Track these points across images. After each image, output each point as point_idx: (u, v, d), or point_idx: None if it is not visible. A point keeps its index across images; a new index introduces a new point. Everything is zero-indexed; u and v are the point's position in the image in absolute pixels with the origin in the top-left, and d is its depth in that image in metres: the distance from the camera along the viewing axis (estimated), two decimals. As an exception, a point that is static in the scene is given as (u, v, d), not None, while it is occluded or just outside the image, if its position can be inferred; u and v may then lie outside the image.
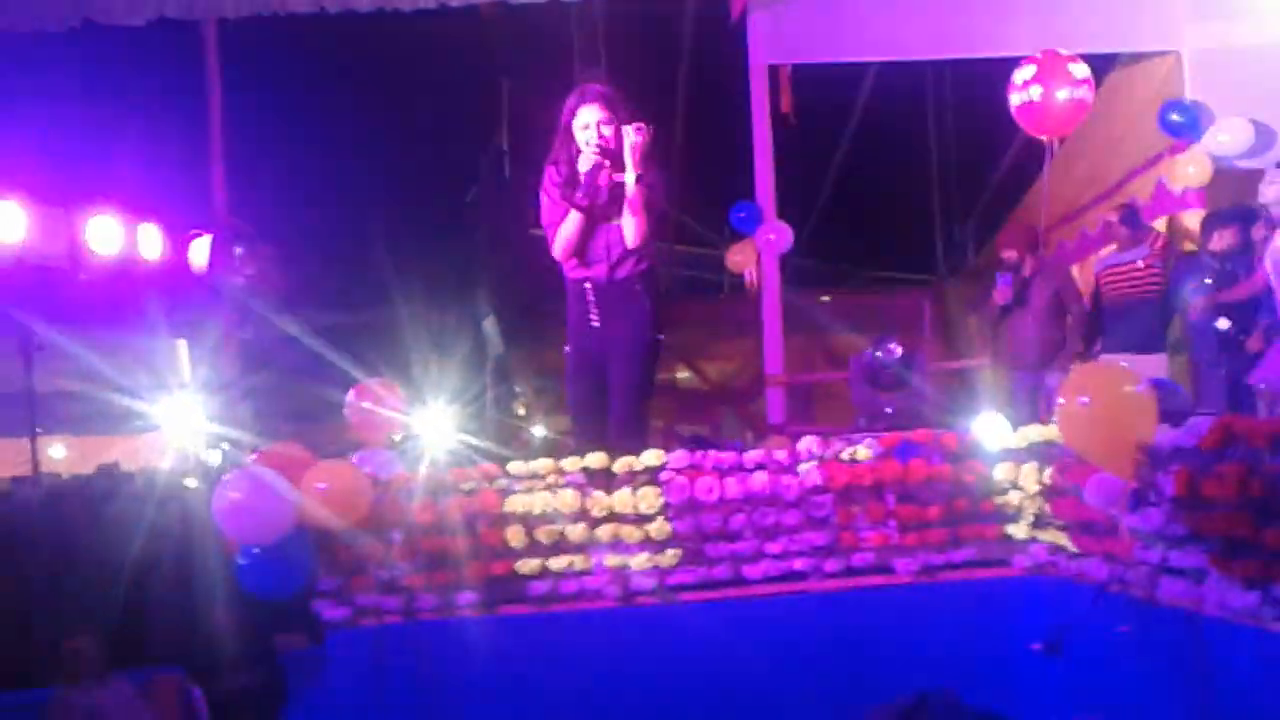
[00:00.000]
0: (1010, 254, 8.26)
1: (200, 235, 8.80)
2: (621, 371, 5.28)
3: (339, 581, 4.67)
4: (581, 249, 5.30)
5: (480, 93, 12.02)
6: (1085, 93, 7.18)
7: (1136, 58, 9.49)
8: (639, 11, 9.60)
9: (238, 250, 8.12)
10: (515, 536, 4.76)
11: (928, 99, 11.62)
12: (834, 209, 11.57)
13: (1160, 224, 8.87)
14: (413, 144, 10.97)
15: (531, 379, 13.15)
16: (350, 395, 5.86)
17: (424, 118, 10.81)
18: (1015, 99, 7.33)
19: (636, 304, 5.32)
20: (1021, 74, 7.24)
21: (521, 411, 12.96)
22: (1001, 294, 8.14)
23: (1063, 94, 7.19)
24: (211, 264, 8.77)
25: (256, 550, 4.46)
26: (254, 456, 5.04)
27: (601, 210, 5.27)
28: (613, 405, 5.29)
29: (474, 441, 5.46)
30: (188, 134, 8.94)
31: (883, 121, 10.76)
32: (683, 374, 14.50)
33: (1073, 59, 7.18)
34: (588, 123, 5.27)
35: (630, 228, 5.24)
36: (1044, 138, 7.38)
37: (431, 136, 11.02)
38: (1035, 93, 7.40)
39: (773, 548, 4.83)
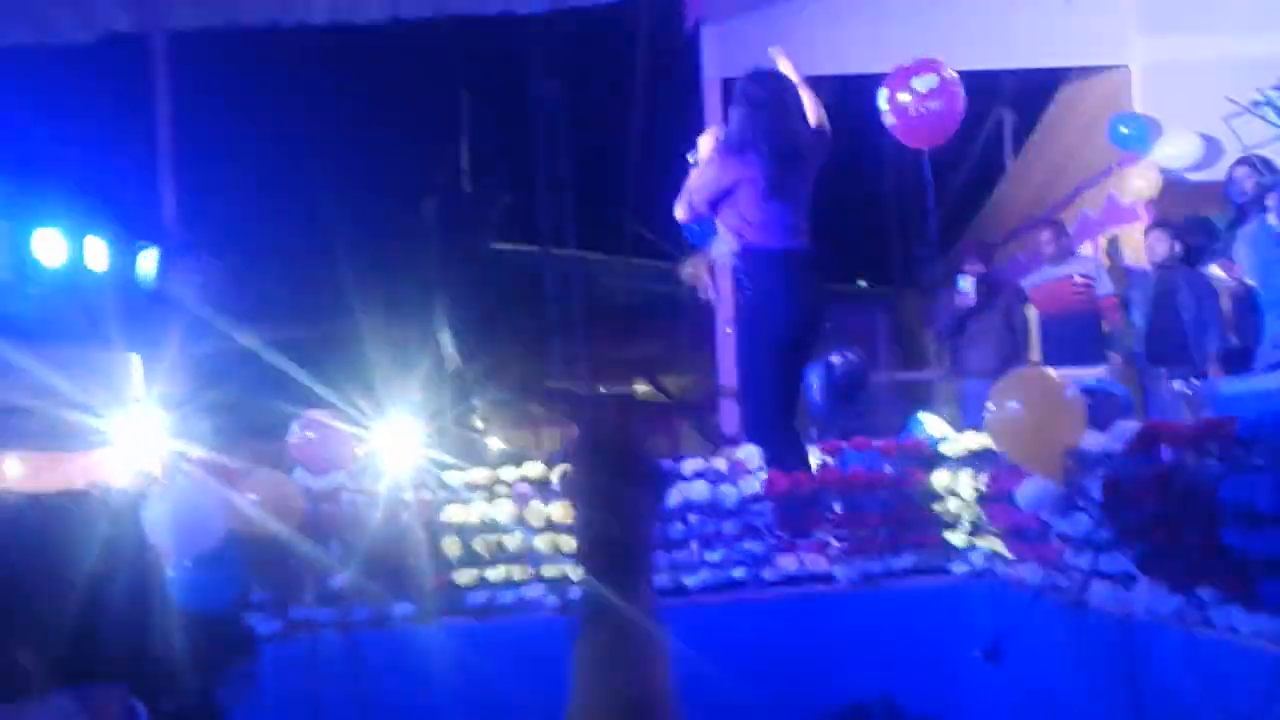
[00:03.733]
0: (975, 267, 8.36)
1: (149, 247, 8.72)
2: None
3: (272, 594, 4.61)
4: None
5: (438, 106, 12.00)
6: (938, 104, 7.13)
7: (1086, 72, 9.56)
8: (592, 25, 9.59)
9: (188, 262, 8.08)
10: (452, 547, 4.73)
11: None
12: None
13: (1104, 238, 8.95)
14: (369, 156, 10.92)
15: (490, 392, 13.13)
16: (294, 428, 5.77)
17: (380, 130, 10.77)
18: (884, 118, 7.33)
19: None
20: (882, 94, 7.27)
21: (480, 425, 12.93)
22: (963, 298, 8.20)
23: (912, 109, 7.16)
24: (161, 276, 8.68)
25: (188, 562, 4.41)
26: (188, 467, 4.99)
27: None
28: None
29: (436, 455, 5.42)
30: (137, 146, 8.87)
31: (840, 135, 10.78)
32: (642, 388, 14.48)
33: (920, 72, 7.15)
34: None
35: None
36: (920, 149, 7.41)
37: (388, 148, 10.98)
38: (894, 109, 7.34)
39: (712, 556, 4.81)
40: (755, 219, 5.34)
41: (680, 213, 5.61)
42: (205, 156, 9.37)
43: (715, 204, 5.46)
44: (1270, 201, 6.54)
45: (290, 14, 8.98)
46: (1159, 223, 8.14)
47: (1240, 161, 7.55)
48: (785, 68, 5.70)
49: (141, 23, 8.93)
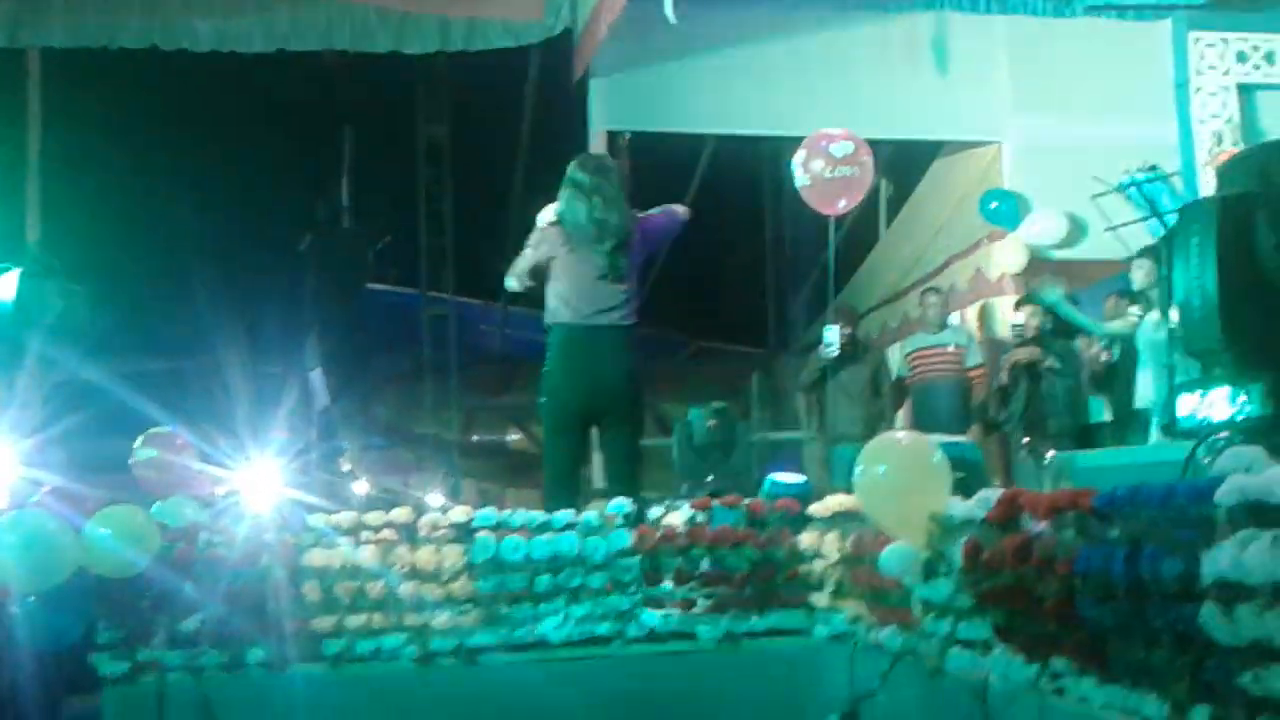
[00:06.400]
0: (843, 327, 8.49)
1: (8, 269, 8.43)
2: None
3: (120, 634, 4.43)
4: None
5: (320, 141, 11.86)
6: (852, 170, 7.55)
7: (960, 147, 9.85)
8: (482, 69, 9.60)
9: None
10: (312, 591, 4.61)
11: (763, 175, 11.86)
12: (668, 277, 11.68)
13: (974, 309, 9.20)
14: (245, 187, 10.73)
15: (358, 434, 12.92)
16: (137, 444, 5.60)
17: (258, 161, 10.59)
18: (798, 180, 7.72)
19: None
20: (798, 156, 7.66)
21: (346, 467, 12.72)
22: (828, 349, 8.30)
23: (826, 172, 7.57)
24: (19, 299, 8.38)
25: (31, 598, 4.23)
26: (37, 497, 4.81)
27: None
28: None
29: (300, 496, 5.31)
30: (2, 163, 8.59)
31: (719, 194, 10.94)
32: (514, 436, 14.43)
33: (835, 139, 7.54)
34: None
35: None
36: (829, 214, 7.74)
37: (266, 181, 10.80)
38: (809, 172, 7.73)
39: (577, 610, 4.77)
40: (567, 295, 5.66)
41: (510, 282, 5.88)
42: (73, 179, 9.10)
43: (539, 278, 5.76)
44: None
45: (172, 39, 8.82)
46: (1030, 297, 8.39)
47: (1143, 252, 7.67)
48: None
49: (16, 38, 8.70)
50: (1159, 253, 7.14)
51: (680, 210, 5.98)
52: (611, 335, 5.64)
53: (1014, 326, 8.23)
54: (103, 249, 9.62)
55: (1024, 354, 7.95)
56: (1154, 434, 6.76)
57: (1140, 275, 7.35)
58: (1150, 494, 2.93)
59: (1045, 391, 7.94)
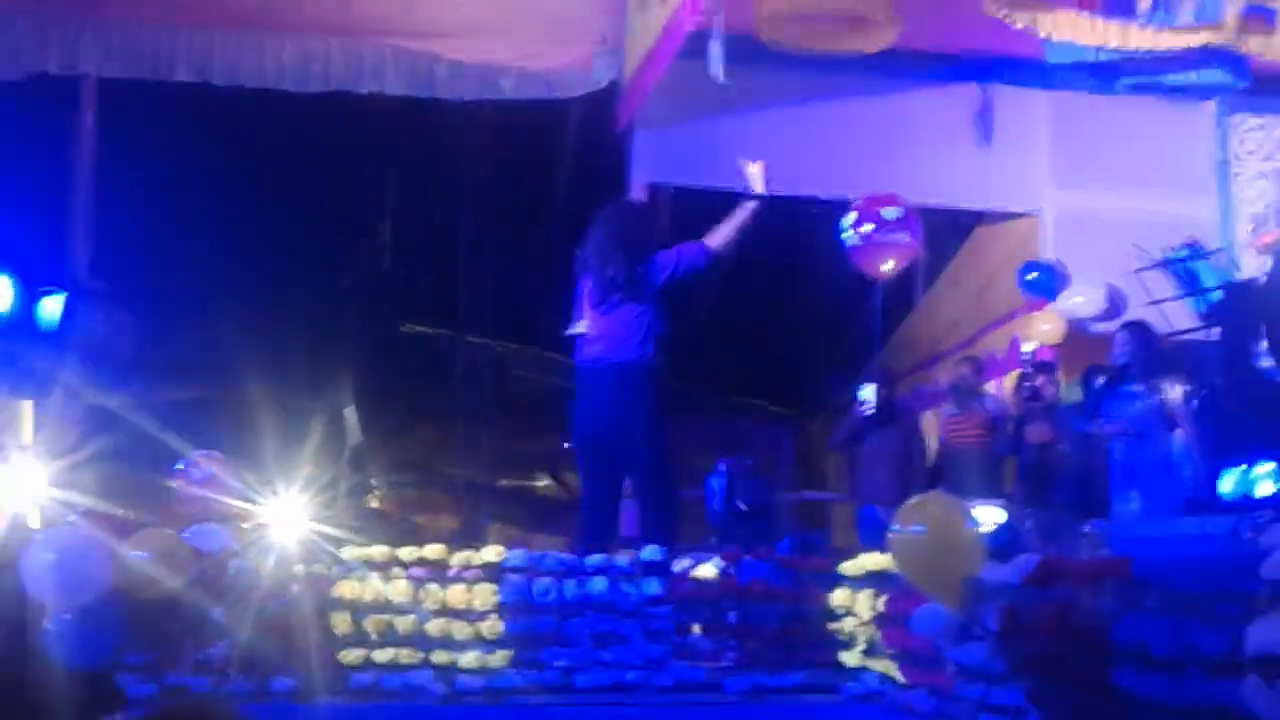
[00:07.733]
0: (881, 389, 8.49)
1: (55, 292, 8.53)
2: None
3: (150, 657, 4.46)
4: None
5: (365, 181, 11.97)
6: (900, 235, 7.73)
7: (1000, 217, 9.87)
8: (527, 116, 9.67)
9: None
10: (341, 624, 4.63)
11: (801, 235, 11.87)
12: (704, 334, 11.69)
13: (1010, 379, 9.18)
14: (289, 222, 10.84)
15: (387, 471, 12.94)
16: (181, 467, 5.65)
17: (304, 199, 10.71)
18: (847, 240, 7.91)
19: None
20: (848, 218, 7.85)
21: (376, 504, 12.73)
22: (864, 406, 8.27)
23: (876, 235, 7.77)
24: (64, 322, 8.48)
25: (67, 615, 4.26)
26: (74, 518, 4.85)
27: None
28: None
29: (328, 530, 5.34)
30: (53, 188, 8.71)
31: (757, 252, 10.93)
32: (543, 482, 14.42)
33: (886, 203, 7.75)
34: None
35: None
36: (875, 276, 8.08)
37: (309, 218, 10.91)
38: (859, 234, 7.91)
39: (605, 656, 4.77)
40: (582, 334, 5.90)
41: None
42: (122, 207, 9.22)
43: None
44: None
45: (226, 75, 8.94)
46: (1041, 366, 8.36)
47: (1125, 325, 7.62)
48: (754, 178, 6.44)
49: (71, 66, 8.83)
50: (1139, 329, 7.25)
51: (711, 240, 6.15)
52: (617, 372, 5.74)
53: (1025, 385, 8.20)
54: (145, 276, 9.73)
55: (1035, 433, 7.87)
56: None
57: (1125, 350, 7.16)
58: (1191, 565, 2.93)
59: (1051, 465, 7.88)
